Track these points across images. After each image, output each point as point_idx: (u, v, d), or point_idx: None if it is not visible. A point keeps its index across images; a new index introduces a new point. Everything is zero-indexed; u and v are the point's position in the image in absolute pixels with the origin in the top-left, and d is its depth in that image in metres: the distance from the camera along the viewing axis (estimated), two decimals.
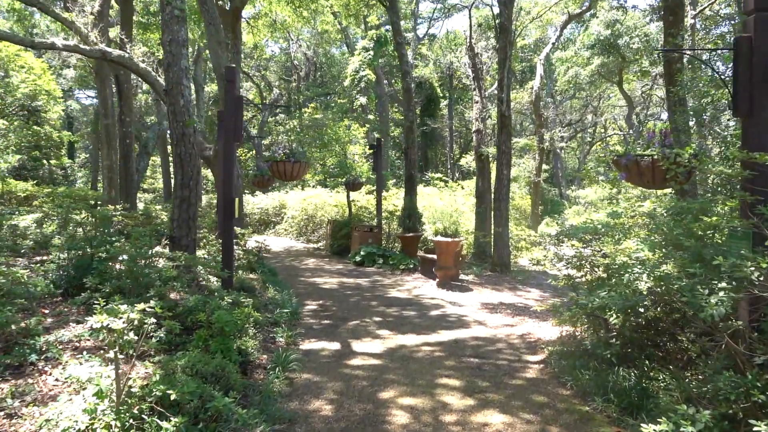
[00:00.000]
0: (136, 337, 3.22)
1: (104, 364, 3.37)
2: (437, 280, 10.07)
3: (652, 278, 4.06)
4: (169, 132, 7.05)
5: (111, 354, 3.08)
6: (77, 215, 8.38)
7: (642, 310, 4.33)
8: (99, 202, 16.11)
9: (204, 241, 8.56)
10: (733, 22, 18.05)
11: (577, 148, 46.86)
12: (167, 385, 3.18)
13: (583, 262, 5.31)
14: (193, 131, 6.95)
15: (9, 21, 27.06)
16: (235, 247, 8.03)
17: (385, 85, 32.14)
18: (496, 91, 15.38)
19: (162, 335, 4.65)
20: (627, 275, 4.19)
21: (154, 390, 3.16)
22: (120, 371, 3.12)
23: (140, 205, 19.02)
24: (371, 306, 8.13)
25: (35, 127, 30.97)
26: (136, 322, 3.28)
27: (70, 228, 8.25)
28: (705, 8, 17.32)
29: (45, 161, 34.32)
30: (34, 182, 24.98)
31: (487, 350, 5.84)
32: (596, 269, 5.28)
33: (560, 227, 6.07)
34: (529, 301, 8.88)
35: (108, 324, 3.13)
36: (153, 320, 4.72)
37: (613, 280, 4.48)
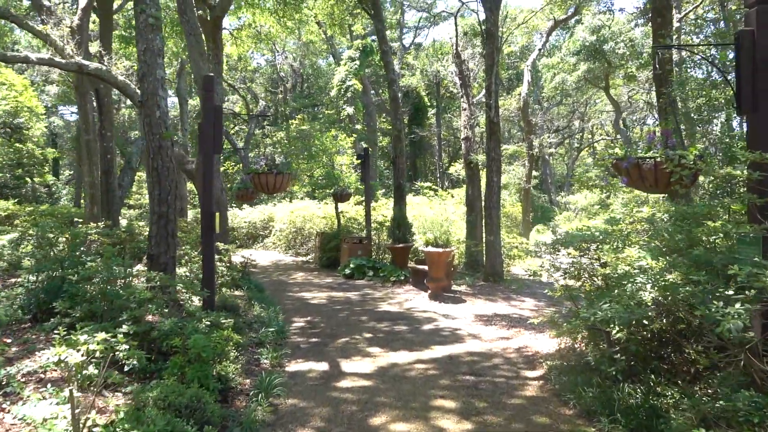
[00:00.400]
0: (97, 371, 2.90)
1: (63, 402, 3.05)
2: (429, 291, 9.79)
3: (656, 288, 3.82)
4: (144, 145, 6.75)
5: (67, 392, 2.76)
6: (52, 234, 8.03)
7: (647, 322, 4.08)
8: (80, 220, 15.71)
9: (186, 258, 8.22)
10: (717, 26, 18.11)
11: (565, 154, 47.03)
12: (133, 424, 2.87)
13: (581, 271, 5.06)
14: (171, 144, 6.65)
15: None
16: (218, 263, 7.72)
17: (372, 95, 32.02)
18: (483, 98, 15.25)
19: (135, 362, 4.32)
20: (630, 285, 3.94)
21: (118, 430, 2.84)
22: (79, 409, 2.80)
23: (124, 222, 18.59)
24: (361, 321, 7.83)
25: (17, 144, 30.40)
26: (98, 354, 2.96)
27: (46, 248, 7.90)
28: (689, 12, 17.37)
29: (28, 179, 33.71)
30: (16, 201, 24.44)
31: (483, 366, 5.56)
32: (595, 278, 5.03)
33: (554, 235, 5.81)
34: (524, 312, 8.62)
35: (66, 357, 2.82)
36: (125, 347, 4.41)
37: (616, 290, 4.22)
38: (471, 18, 27.08)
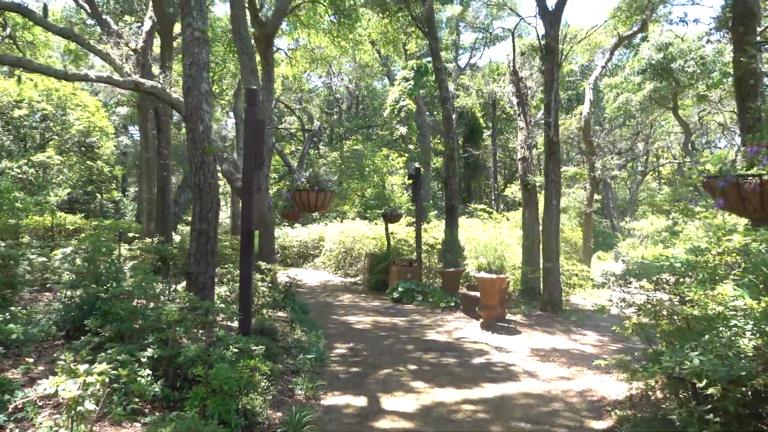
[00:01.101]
0: (94, 407, 2.56)
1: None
2: (481, 320, 9.15)
3: (758, 335, 3.14)
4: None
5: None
6: (104, 249, 8.04)
7: (744, 373, 3.37)
8: (136, 235, 16.06)
9: (229, 276, 8.00)
10: None
11: (628, 178, 44.89)
12: None
13: (659, 308, 4.37)
14: (213, 159, 6.47)
15: (66, 61, 28.34)
16: (259, 283, 7.44)
17: (427, 116, 31.75)
18: (542, 118, 14.55)
19: (157, 389, 4.01)
20: (725, 330, 3.27)
21: None
22: None
23: (178, 238, 18.95)
24: (406, 351, 7.30)
25: (88, 162, 32.07)
26: (98, 386, 2.63)
27: (93, 264, 7.91)
28: None
29: (98, 195, 35.35)
30: (84, 215, 25.54)
31: (540, 412, 4.91)
32: (675, 318, 4.32)
33: (622, 263, 5.13)
34: (585, 347, 7.83)
35: (62, 389, 2.50)
36: (147, 372, 4.10)
37: (706, 335, 3.53)
38: (529, 38, 26.39)
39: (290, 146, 38.86)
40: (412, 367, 6.43)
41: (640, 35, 25.95)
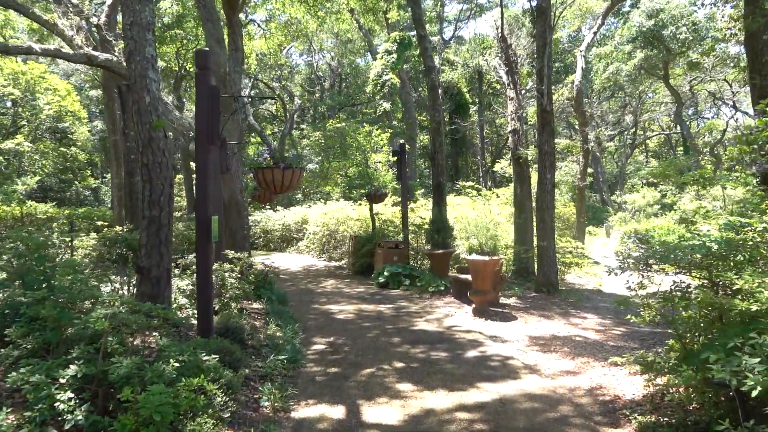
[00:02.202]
0: None
1: None
2: (473, 306, 8.47)
3: None
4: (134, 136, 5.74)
5: None
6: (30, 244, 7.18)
7: None
8: (105, 223, 15.10)
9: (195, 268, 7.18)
10: None
11: (615, 151, 44.37)
12: None
13: (689, 295, 3.66)
14: (164, 135, 5.61)
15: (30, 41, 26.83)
16: (226, 274, 6.66)
17: (411, 92, 30.74)
18: (532, 90, 13.75)
19: (80, 417, 3.23)
20: None
21: None
22: None
23: None
24: (392, 344, 6.59)
25: (62, 149, 30.75)
26: None
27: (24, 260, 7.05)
28: None
29: (76, 182, 34.07)
30: (55, 203, 24.39)
31: (547, 419, 4.21)
32: (709, 309, 3.61)
33: (650, 245, 4.43)
34: (588, 333, 7.18)
35: None
36: (68, 396, 3.33)
37: (752, 329, 2.82)
38: (515, 9, 25.40)
39: (272, 127, 37.67)
40: (399, 364, 5.72)
41: (629, 2, 25.11)
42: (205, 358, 3.76)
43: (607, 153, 40.73)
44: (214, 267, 6.85)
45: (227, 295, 6.61)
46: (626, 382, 5.02)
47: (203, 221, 5.07)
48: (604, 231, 24.93)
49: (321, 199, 22.70)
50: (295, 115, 39.45)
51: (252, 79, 28.35)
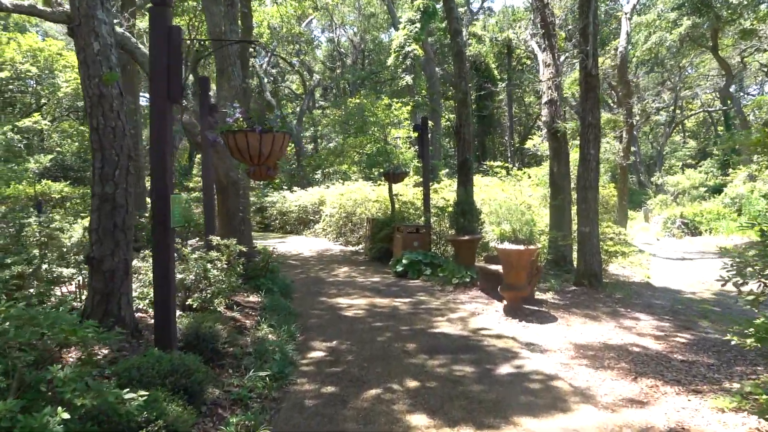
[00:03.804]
0: None
1: None
2: (504, 303, 7.22)
3: None
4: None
5: None
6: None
7: None
8: None
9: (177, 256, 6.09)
10: None
11: (650, 132, 41.97)
12: None
13: None
14: (119, 93, 4.46)
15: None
16: (209, 265, 5.55)
17: (436, 67, 29.14)
18: (568, 57, 12.26)
19: None
20: None
21: None
22: None
23: None
24: (406, 352, 5.41)
25: (81, 127, 30.30)
26: None
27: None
28: None
29: None
30: (72, 183, 23.83)
31: None
32: None
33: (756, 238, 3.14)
34: (645, 341, 5.87)
35: None
36: None
37: None
38: None
39: (292, 106, 36.54)
40: (412, 383, 4.53)
41: None
42: (128, 397, 2.63)
43: (641, 132, 38.47)
44: (195, 256, 5.76)
45: (209, 291, 5.51)
46: (716, 422, 3.73)
47: (160, 202, 3.93)
48: (643, 215, 23.21)
49: (340, 180, 21.57)
50: (317, 93, 38.23)
51: (269, 54, 27.17)
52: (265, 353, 4.99)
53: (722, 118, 35.00)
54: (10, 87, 25.68)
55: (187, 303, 5.38)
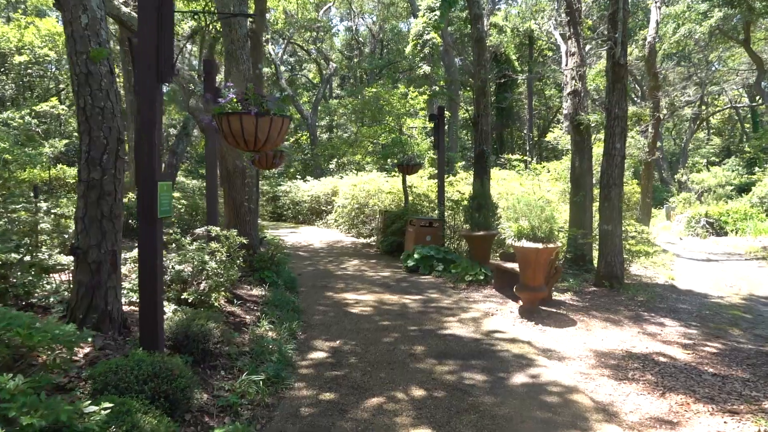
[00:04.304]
0: None
1: None
2: (520, 304, 6.83)
3: None
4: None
5: None
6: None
7: None
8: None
9: (173, 245, 5.81)
10: None
11: (673, 128, 40.83)
12: None
13: None
14: (109, 71, 4.14)
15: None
16: (206, 257, 5.24)
17: (455, 58, 28.54)
18: (593, 47, 11.70)
19: None
20: None
21: None
22: None
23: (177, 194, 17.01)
24: (413, 356, 5.05)
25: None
26: None
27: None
28: None
29: None
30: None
31: None
32: None
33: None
34: (671, 349, 5.43)
35: None
36: None
37: None
38: None
39: (308, 95, 36.20)
40: (418, 392, 4.18)
41: None
42: (89, 410, 2.30)
43: (664, 129, 37.35)
44: (192, 247, 5.46)
45: (205, 285, 5.20)
46: None
47: (147, 190, 3.61)
48: (665, 213, 22.49)
49: (354, 170, 21.21)
50: (334, 83, 37.80)
51: (286, 41, 26.82)
52: (262, 353, 4.68)
53: (749, 115, 33.83)
54: (29, 71, 25.70)
55: (182, 297, 5.08)
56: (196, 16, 16.81)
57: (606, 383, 4.47)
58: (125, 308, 4.78)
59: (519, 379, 4.49)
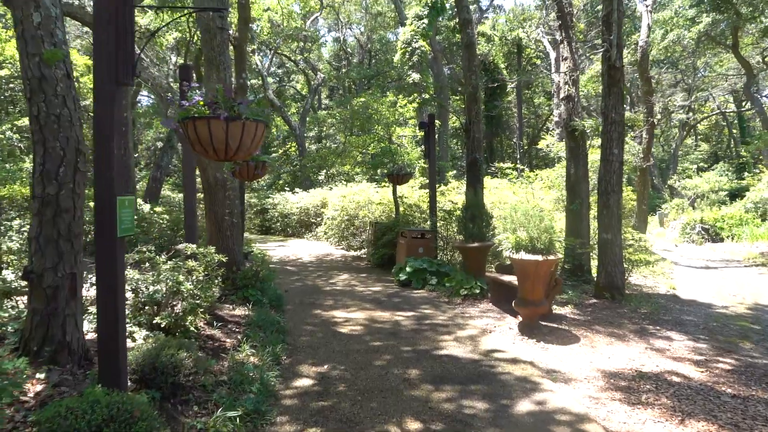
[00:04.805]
0: None
1: None
2: (519, 320, 6.45)
3: None
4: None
5: None
6: None
7: None
8: None
9: (147, 265, 5.37)
10: None
11: (661, 134, 40.96)
12: None
13: None
14: (66, 75, 3.74)
15: None
16: (181, 278, 4.82)
17: (443, 66, 28.37)
18: (585, 51, 11.46)
19: None
20: None
21: None
22: None
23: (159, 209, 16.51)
24: (408, 381, 4.64)
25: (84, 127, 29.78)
26: None
27: None
28: None
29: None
30: None
31: None
32: None
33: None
34: (684, 367, 5.07)
35: None
36: None
37: None
38: None
39: (296, 105, 35.87)
40: (414, 425, 3.77)
41: None
42: None
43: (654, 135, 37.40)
44: (166, 266, 5.03)
45: (180, 307, 4.77)
46: None
47: (104, 204, 3.20)
48: (658, 220, 22.31)
49: (343, 181, 20.84)
50: (323, 94, 37.52)
51: (273, 52, 26.52)
52: (242, 383, 4.26)
53: (736, 121, 33.97)
54: (11, 85, 25.15)
55: (154, 322, 4.64)
56: (179, 26, 16.45)
57: (618, 409, 4.09)
58: (90, 336, 4.35)
59: (524, 406, 4.10)
